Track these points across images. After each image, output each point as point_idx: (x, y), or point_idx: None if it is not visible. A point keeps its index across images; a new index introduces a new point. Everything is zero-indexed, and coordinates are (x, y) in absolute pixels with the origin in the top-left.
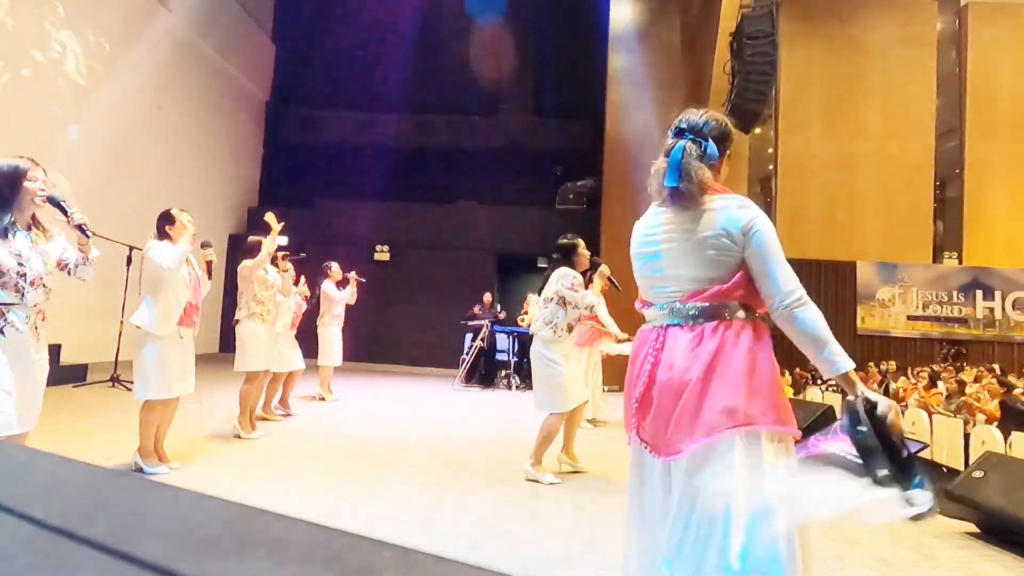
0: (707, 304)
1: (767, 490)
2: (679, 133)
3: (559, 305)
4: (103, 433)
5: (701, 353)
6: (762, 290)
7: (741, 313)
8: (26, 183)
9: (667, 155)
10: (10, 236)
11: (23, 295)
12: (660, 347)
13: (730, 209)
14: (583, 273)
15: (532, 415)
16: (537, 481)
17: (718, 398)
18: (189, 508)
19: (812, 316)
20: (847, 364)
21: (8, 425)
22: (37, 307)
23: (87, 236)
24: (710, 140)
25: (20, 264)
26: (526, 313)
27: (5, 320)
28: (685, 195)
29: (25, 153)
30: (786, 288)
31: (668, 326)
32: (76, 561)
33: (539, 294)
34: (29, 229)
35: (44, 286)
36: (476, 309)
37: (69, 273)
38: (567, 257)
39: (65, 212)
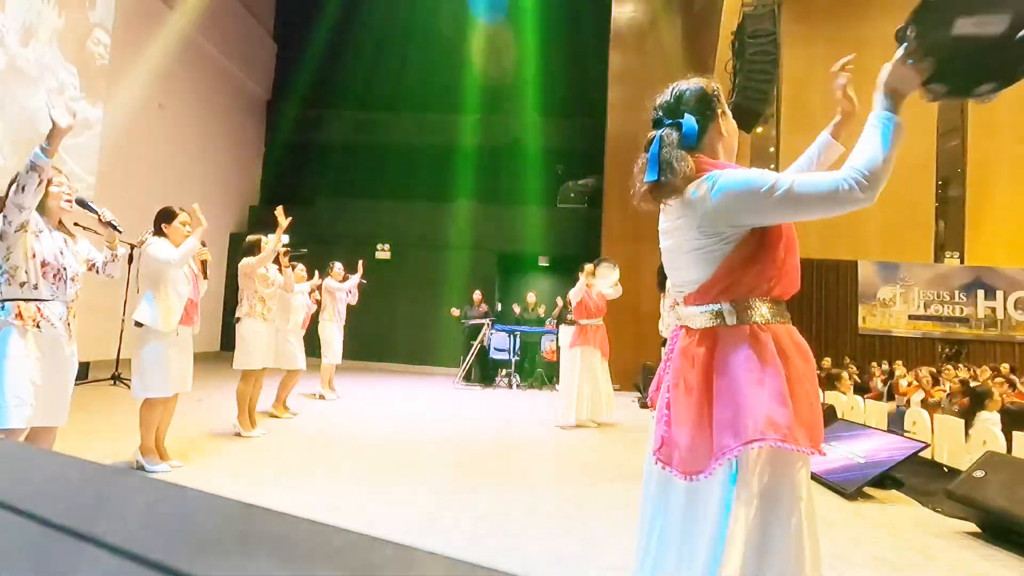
0: (702, 307)
1: (767, 524)
2: (656, 123)
3: None
4: (104, 431)
5: (696, 363)
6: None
7: (733, 317)
8: (51, 188)
9: (646, 149)
10: (47, 232)
11: (64, 289)
12: (672, 351)
13: (694, 192)
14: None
15: (531, 413)
16: None
17: (720, 416)
18: (190, 506)
19: (855, 163)
20: (887, 119)
21: (31, 418)
22: (70, 304)
23: (119, 231)
24: (686, 115)
25: (61, 257)
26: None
27: (42, 315)
28: (667, 190)
29: (24, 153)
30: (833, 182)
31: (680, 327)
32: (77, 559)
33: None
34: (59, 231)
35: (79, 283)
36: (455, 312)
37: (98, 272)
38: None
39: (95, 211)
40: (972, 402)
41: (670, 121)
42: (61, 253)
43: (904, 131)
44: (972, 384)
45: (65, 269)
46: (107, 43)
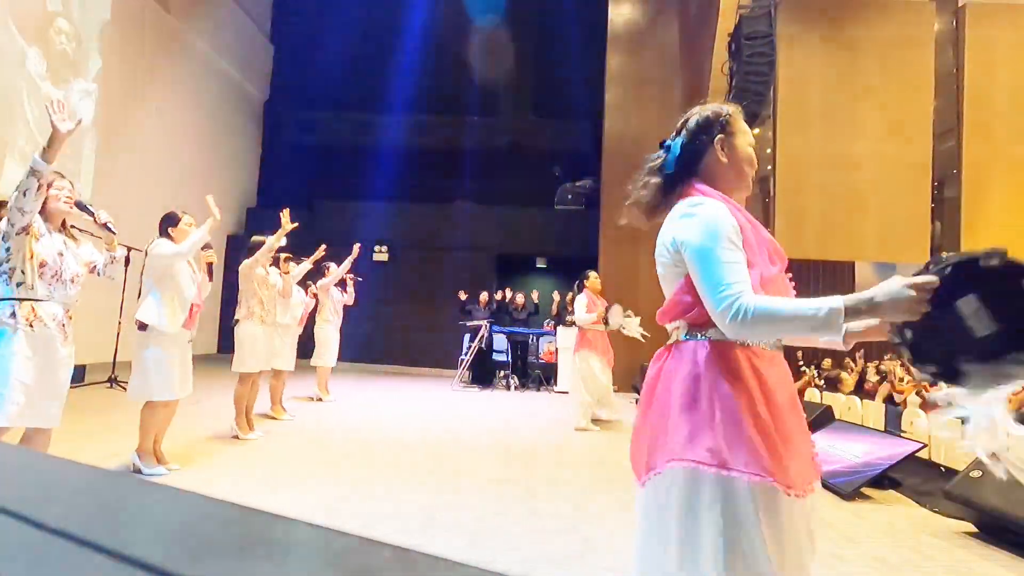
0: (667, 324)
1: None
2: (661, 146)
3: None
4: (101, 434)
5: (648, 379)
6: (707, 309)
7: (688, 334)
8: (51, 191)
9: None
10: (48, 235)
11: (64, 290)
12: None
13: (671, 220)
14: (578, 285)
15: (530, 414)
16: None
17: (651, 431)
18: (187, 509)
19: (762, 302)
20: (833, 301)
21: (16, 416)
22: (66, 306)
23: (114, 233)
24: (677, 138)
25: (60, 259)
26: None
27: (36, 315)
28: (632, 206)
29: (23, 152)
30: (723, 299)
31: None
32: (74, 563)
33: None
34: (60, 233)
35: (78, 285)
36: (463, 295)
37: (98, 275)
38: None
39: (91, 213)
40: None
41: (665, 144)
42: (60, 255)
43: (845, 310)
44: None
45: (63, 271)
46: (104, 45)
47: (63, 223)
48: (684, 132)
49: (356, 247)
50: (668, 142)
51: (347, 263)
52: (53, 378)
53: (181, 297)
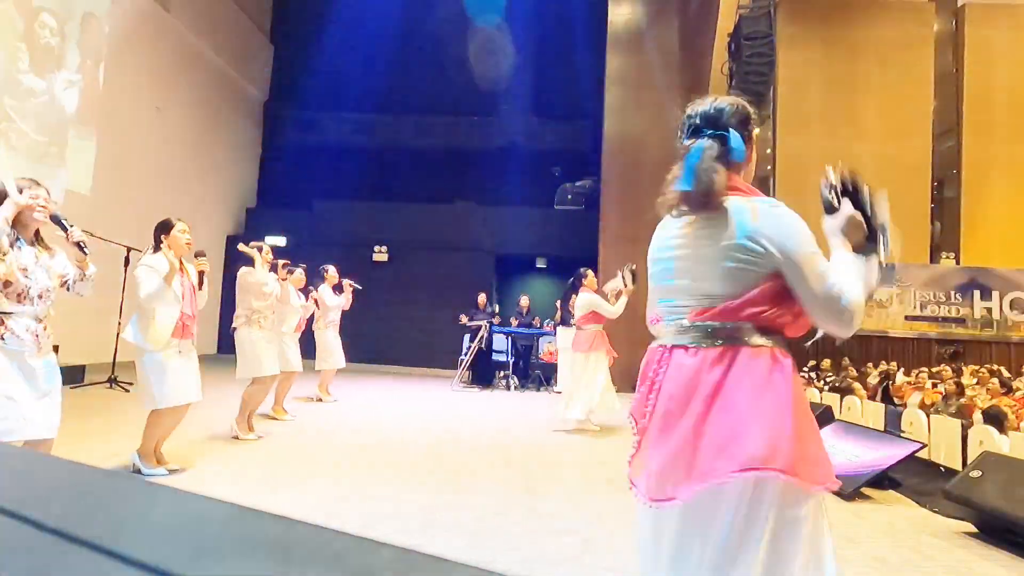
0: (715, 324)
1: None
2: (695, 131)
3: None
4: (101, 434)
5: (702, 383)
6: (807, 299)
7: (757, 338)
8: (20, 199)
9: (684, 158)
10: (15, 249)
11: (31, 304)
12: (662, 372)
13: (754, 213)
14: (574, 283)
15: (530, 415)
16: None
17: (717, 437)
18: (188, 510)
19: (855, 292)
20: (864, 264)
21: (9, 431)
22: (39, 318)
23: (84, 253)
24: (731, 130)
25: (26, 276)
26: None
27: (5, 327)
28: (700, 201)
29: (21, 152)
30: (828, 289)
31: (673, 347)
32: (74, 563)
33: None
34: (33, 244)
35: (49, 299)
36: (464, 320)
37: (68, 289)
38: None
39: (65, 229)
40: (989, 424)
41: (711, 132)
42: (26, 271)
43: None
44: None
45: (31, 287)
46: (104, 46)
47: (37, 233)
48: (731, 123)
49: (348, 283)
50: (708, 130)
51: (346, 295)
52: (34, 390)
53: (163, 315)
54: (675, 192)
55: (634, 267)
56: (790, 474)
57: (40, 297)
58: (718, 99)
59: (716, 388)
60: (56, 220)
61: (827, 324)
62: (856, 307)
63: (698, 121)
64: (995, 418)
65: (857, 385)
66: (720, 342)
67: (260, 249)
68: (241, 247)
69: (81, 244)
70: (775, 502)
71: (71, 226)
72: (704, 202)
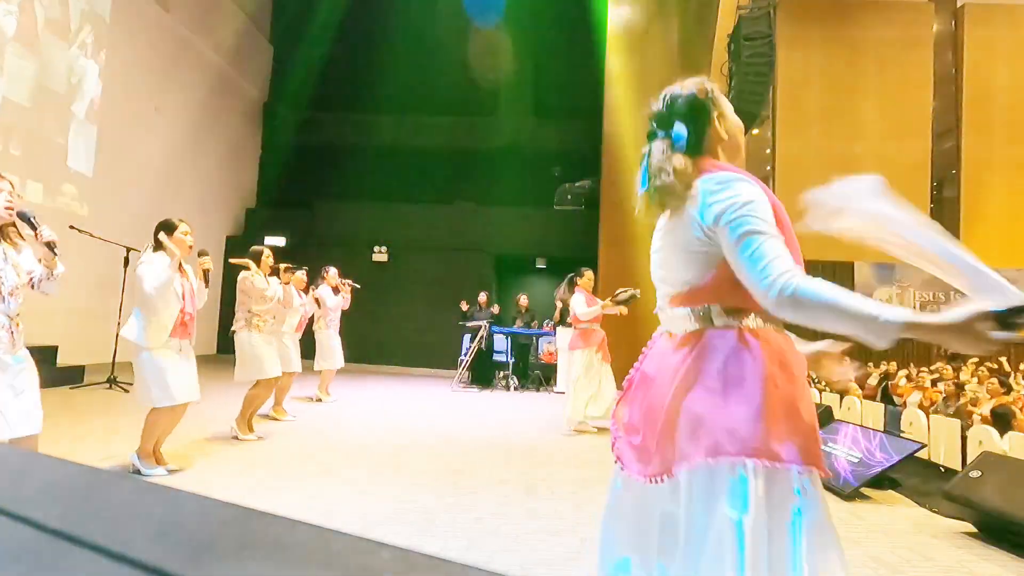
0: (687, 309)
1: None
2: (650, 135)
3: None
4: (100, 434)
5: (668, 367)
6: (747, 287)
7: (723, 319)
8: None
9: (640, 164)
10: None
11: (2, 302)
12: (646, 355)
13: (702, 195)
14: (570, 284)
15: (530, 415)
16: None
17: (684, 422)
18: (187, 510)
19: (813, 285)
20: (899, 312)
21: None
22: (9, 315)
23: (55, 253)
24: (676, 124)
25: None
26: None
27: None
28: (663, 193)
29: (22, 153)
30: (768, 272)
31: (661, 333)
32: (73, 563)
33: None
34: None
35: (19, 296)
36: (464, 306)
37: (33, 287)
38: None
39: (35, 228)
40: (996, 425)
41: (662, 133)
42: None
43: (910, 325)
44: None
45: (1, 286)
46: (103, 46)
47: (2, 229)
48: (678, 115)
49: (347, 283)
50: (661, 131)
51: (345, 295)
52: (10, 389)
53: (166, 313)
54: (639, 196)
55: (638, 294)
56: (753, 456)
57: (11, 295)
58: (672, 90)
59: (677, 370)
60: (24, 218)
61: (769, 310)
62: (794, 296)
63: (653, 124)
64: (1003, 417)
65: (853, 385)
66: (691, 326)
67: (260, 254)
68: (233, 262)
69: (51, 245)
70: (751, 487)
71: (41, 226)
72: (661, 201)
